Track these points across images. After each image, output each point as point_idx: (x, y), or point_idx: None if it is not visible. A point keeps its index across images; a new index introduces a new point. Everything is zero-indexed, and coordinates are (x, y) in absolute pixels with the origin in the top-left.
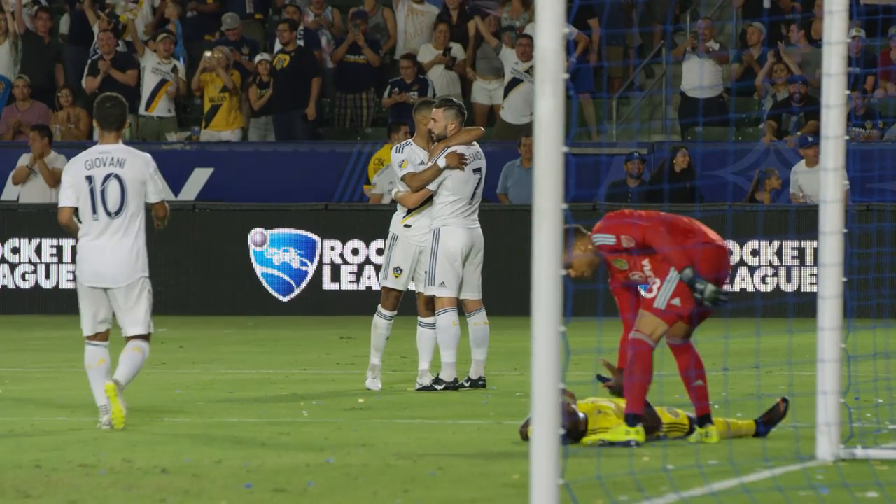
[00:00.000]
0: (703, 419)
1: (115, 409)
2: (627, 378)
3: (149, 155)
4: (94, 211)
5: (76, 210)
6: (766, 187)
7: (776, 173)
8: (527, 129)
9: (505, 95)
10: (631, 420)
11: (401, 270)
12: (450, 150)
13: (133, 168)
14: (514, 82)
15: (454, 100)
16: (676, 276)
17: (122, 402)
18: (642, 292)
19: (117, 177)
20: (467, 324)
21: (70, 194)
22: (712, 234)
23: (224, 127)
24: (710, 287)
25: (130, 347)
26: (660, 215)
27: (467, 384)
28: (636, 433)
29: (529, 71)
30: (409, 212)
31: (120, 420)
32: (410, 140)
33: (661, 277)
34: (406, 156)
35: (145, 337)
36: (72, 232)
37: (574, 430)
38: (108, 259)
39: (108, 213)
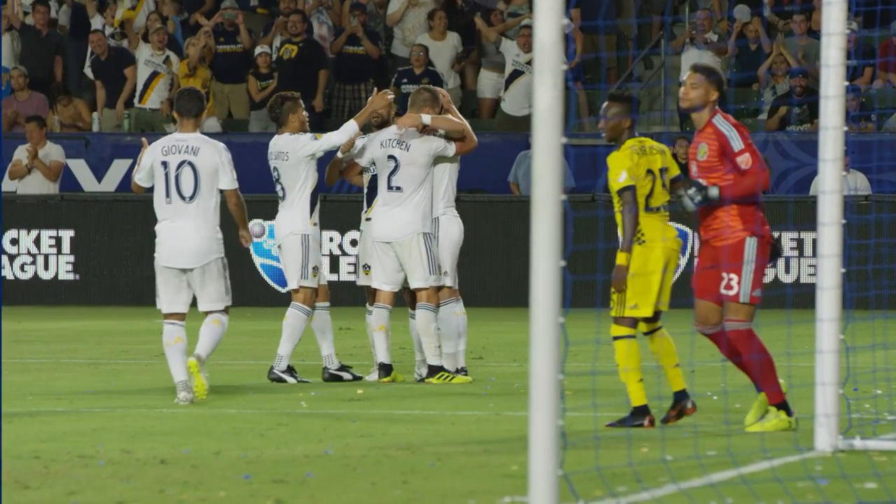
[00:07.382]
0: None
1: (198, 382)
2: (752, 364)
3: (223, 144)
4: (168, 195)
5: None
6: None
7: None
8: (527, 121)
9: (506, 87)
10: (782, 406)
11: (369, 267)
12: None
13: (206, 156)
14: (516, 74)
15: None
16: (751, 266)
17: (205, 375)
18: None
19: (191, 164)
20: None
21: (143, 177)
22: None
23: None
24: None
25: (210, 321)
26: None
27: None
28: (788, 418)
29: (531, 62)
30: (369, 205)
31: (202, 392)
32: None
33: (738, 272)
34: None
35: (223, 310)
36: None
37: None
38: (186, 241)
39: (183, 198)
